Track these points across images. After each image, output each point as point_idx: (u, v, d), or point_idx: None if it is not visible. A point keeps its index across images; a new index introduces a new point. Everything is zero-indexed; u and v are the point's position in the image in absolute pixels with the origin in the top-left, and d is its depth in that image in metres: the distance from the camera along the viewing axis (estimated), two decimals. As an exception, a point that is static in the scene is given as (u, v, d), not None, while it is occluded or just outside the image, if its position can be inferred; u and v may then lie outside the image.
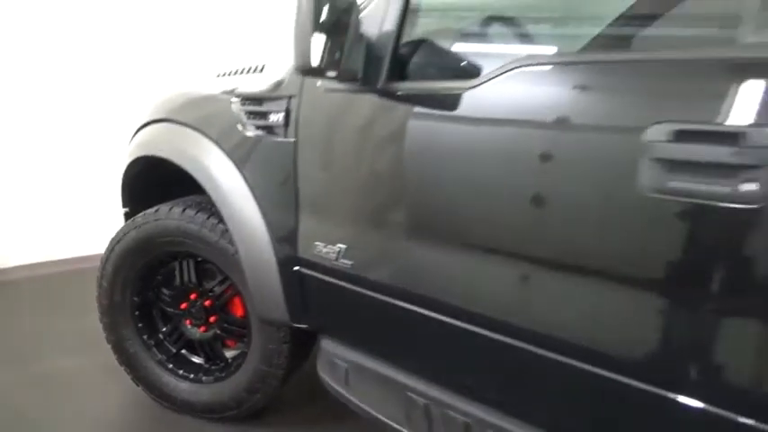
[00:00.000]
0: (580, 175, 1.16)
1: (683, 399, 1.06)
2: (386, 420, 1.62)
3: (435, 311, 1.48)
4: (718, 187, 0.98)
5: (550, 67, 1.25)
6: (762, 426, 0.96)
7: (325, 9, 1.36)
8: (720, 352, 1.03)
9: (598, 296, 1.17)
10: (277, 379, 2.06)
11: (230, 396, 2.15)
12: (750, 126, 0.95)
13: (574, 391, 1.27)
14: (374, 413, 1.65)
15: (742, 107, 0.96)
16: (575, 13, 1.80)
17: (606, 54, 1.42)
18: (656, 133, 1.04)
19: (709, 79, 1.04)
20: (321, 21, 1.37)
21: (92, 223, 3.68)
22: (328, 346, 1.85)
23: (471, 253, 1.39)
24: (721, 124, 0.98)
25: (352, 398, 1.71)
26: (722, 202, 0.98)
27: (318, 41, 1.38)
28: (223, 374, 2.19)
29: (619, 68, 1.16)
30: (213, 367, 2.24)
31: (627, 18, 1.70)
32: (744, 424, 0.98)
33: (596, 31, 1.73)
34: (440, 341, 1.50)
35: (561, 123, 1.19)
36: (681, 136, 1.01)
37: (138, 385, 2.29)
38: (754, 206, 0.95)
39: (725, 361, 1.03)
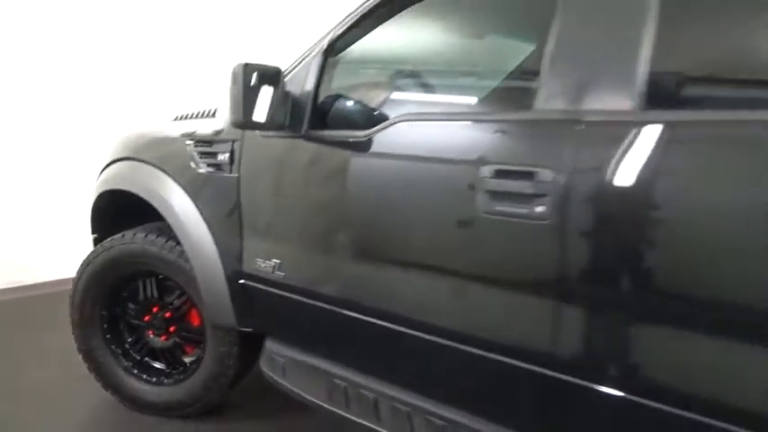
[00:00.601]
0: (438, 199, 1.58)
1: (542, 370, 1.44)
2: (313, 400, 1.99)
3: (352, 311, 1.87)
4: (523, 209, 1.41)
5: (420, 121, 1.68)
6: (632, 397, 1.29)
7: (255, 75, 1.77)
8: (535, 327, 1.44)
9: (448, 286, 1.59)
10: (228, 378, 2.42)
11: (188, 395, 2.49)
12: (537, 167, 1.38)
13: (450, 366, 1.67)
14: (305, 395, 2.02)
15: (532, 153, 1.39)
16: (460, 68, 2.24)
17: (455, 113, 1.86)
18: (485, 171, 1.47)
19: (515, 134, 1.48)
20: (251, 84, 1.78)
21: (66, 249, 3.97)
22: (269, 345, 2.22)
23: (372, 262, 1.80)
24: (521, 165, 1.41)
25: (287, 385, 2.08)
26: (526, 219, 1.41)
27: (251, 100, 1.78)
28: (182, 377, 2.53)
29: (465, 123, 1.60)
30: (173, 371, 2.58)
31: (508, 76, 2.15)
32: (632, 401, 1.29)
33: (481, 85, 2.17)
34: (357, 335, 1.89)
35: (426, 163, 1.61)
36: (499, 173, 1.44)
37: (106, 390, 2.61)
38: (545, 222, 1.38)
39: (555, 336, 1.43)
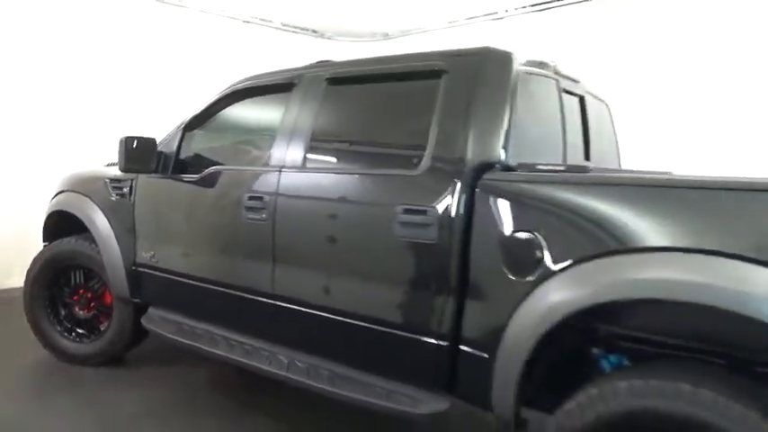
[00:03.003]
0: (229, 212, 2.91)
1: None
2: (171, 336, 3.22)
3: (196, 281, 3.15)
4: (258, 215, 2.74)
5: (222, 170, 3.03)
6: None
7: (135, 143, 3.12)
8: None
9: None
10: (126, 337, 3.65)
11: (100, 350, 3.72)
12: (264, 194, 2.72)
13: (248, 310, 2.95)
14: (166, 335, 3.26)
15: (262, 185, 2.75)
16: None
17: (238, 166, 3.16)
18: (246, 196, 2.80)
19: (260, 175, 2.83)
20: (134, 147, 3.13)
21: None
22: (151, 310, 3.48)
23: (202, 249, 3.10)
24: (258, 192, 2.75)
25: (156, 330, 3.33)
26: (259, 221, 2.74)
27: (130, 157, 3.11)
28: (96, 337, 3.76)
29: (243, 170, 2.95)
30: (91, 334, 3.81)
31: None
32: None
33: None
34: (200, 298, 3.15)
35: (224, 191, 2.95)
36: (250, 198, 2.78)
37: (45, 348, 3.82)
38: (265, 221, 2.71)
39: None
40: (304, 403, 3.24)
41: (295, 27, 7.23)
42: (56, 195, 3.96)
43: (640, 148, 4.16)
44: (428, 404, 2.26)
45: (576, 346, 2.10)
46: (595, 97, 3.13)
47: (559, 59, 2.73)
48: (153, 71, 5.98)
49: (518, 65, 2.33)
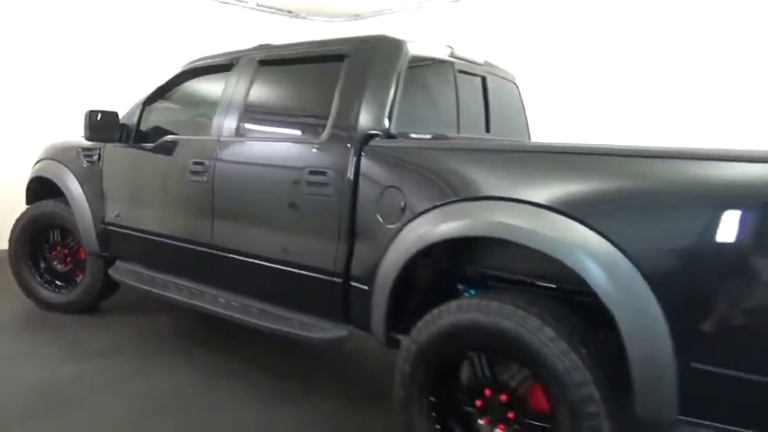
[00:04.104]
0: (177, 174, 3.38)
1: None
2: (133, 283, 3.72)
3: (152, 236, 3.63)
4: (200, 178, 3.21)
5: (174, 138, 3.48)
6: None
7: (99, 116, 3.57)
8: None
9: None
10: (98, 288, 4.15)
11: (76, 298, 4.22)
12: (205, 159, 3.19)
13: (187, 258, 3.43)
14: (129, 282, 3.75)
15: (204, 153, 3.21)
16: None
17: (185, 136, 3.64)
18: (190, 161, 3.27)
19: (202, 144, 3.29)
20: (98, 119, 3.58)
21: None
22: (118, 263, 3.97)
23: (155, 207, 3.58)
24: (200, 158, 3.21)
25: (121, 278, 3.82)
26: (201, 182, 3.21)
27: (95, 128, 3.57)
28: (73, 288, 4.26)
29: (189, 139, 3.41)
30: (68, 285, 4.31)
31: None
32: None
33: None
34: (157, 250, 3.63)
35: (174, 158, 3.42)
36: (194, 163, 3.24)
37: (28, 297, 4.33)
38: (206, 182, 3.18)
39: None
40: (247, 341, 3.75)
41: (270, 7, 7.61)
42: (37, 162, 4.43)
43: (562, 122, 4.60)
44: (332, 331, 2.75)
45: (445, 283, 2.57)
46: (502, 77, 3.57)
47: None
48: (130, 50, 6.39)
49: (409, 50, 2.76)
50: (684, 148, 1.90)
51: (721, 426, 1.76)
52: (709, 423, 1.78)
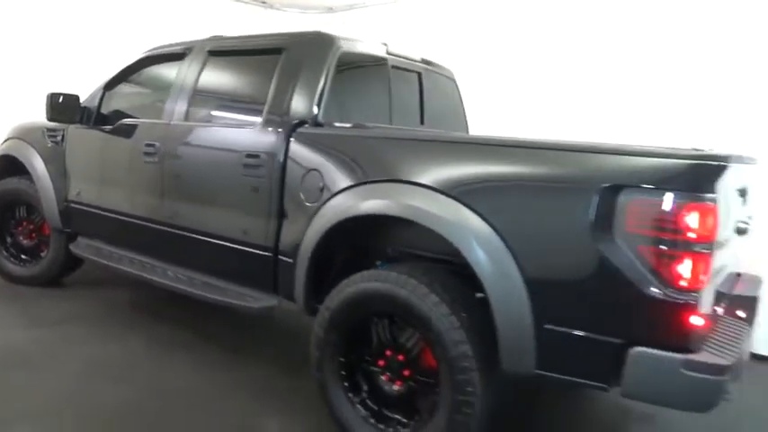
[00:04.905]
0: (129, 154, 3.63)
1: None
2: (93, 258, 3.97)
3: (109, 213, 3.88)
4: (152, 159, 3.45)
5: (129, 122, 3.72)
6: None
7: (60, 99, 3.80)
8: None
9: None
10: (61, 260, 4.38)
11: (41, 272, 4.46)
12: (155, 141, 3.44)
13: (141, 234, 3.68)
14: (89, 257, 4.00)
15: (155, 136, 3.46)
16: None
17: (140, 119, 3.86)
18: (142, 143, 3.51)
19: (154, 128, 3.53)
20: (59, 101, 3.81)
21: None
22: (79, 239, 4.21)
23: (111, 186, 3.82)
24: (152, 140, 3.46)
25: (81, 253, 4.07)
26: (153, 163, 3.46)
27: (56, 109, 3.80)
28: (38, 262, 4.50)
29: (145, 122, 3.65)
30: (34, 259, 4.54)
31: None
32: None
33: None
34: (120, 228, 3.87)
35: (128, 139, 3.66)
36: (146, 145, 3.49)
37: (-4, 272, 4.58)
38: (156, 162, 3.43)
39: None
40: (201, 314, 4.02)
41: (244, -2, 7.81)
42: (4, 141, 4.65)
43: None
44: (264, 301, 3.02)
45: (366, 259, 2.85)
46: (439, 74, 3.84)
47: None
48: (99, 35, 6.52)
49: (341, 46, 3.02)
50: (544, 139, 2.19)
51: (569, 378, 2.06)
52: (559, 375, 2.07)
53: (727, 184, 2.10)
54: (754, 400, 3.50)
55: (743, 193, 2.49)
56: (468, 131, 4.13)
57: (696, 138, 3.73)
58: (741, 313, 2.72)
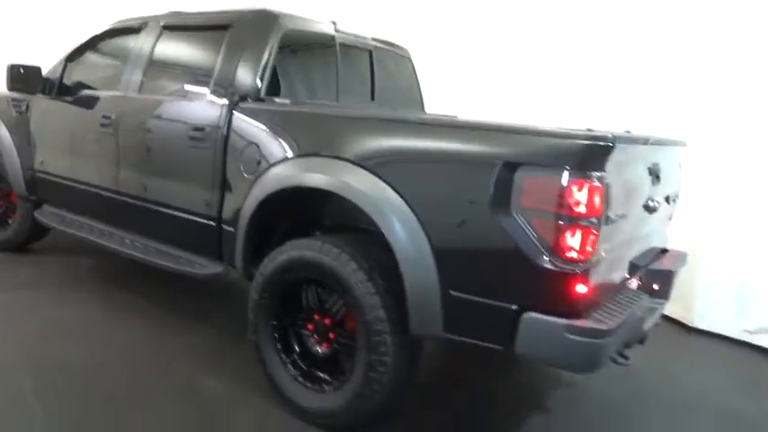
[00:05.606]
0: (86, 123, 3.73)
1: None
2: (57, 226, 4.09)
3: (70, 182, 3.99)
4: (107, 129, 3.56)
5: (87, 92, 3.82)
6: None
7: (21, 70, 3.89)
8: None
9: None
10: (28, 228, 4.51)
11: (8, 238, 4.59)
12: (111, 113, 3.54)
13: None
14: (53, 225, 4.12)
15: (111, 107, 3.56)
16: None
17: (100, 90, 3.99)
18: (100, 114, 3.62)
19: (109, 99, 3.63)
20: (20, 72, 3.90)
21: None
22: (45, 206, 4.33)
23: (71, 155, 3.94)
24: (107, 112, 3.56)
25: (46, 221, 4.19)
26: (109, 133, 3.56)
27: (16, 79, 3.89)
28: (5, 229, 4.62)
29: (98, 93, 3.75)
30: (1, 226, 4.66)
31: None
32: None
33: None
34: (81, 196, 3.99)
35: (88, 109, 3.76)
36: (103, 117, 3.59)
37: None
38: (111, 132, 3.54)
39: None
40: (159, 281, 4.17)
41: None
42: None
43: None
44: (210, 268, 3.17)
45: (306, 229, 2.99)
46: (392, 52, 3.94)
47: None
48: (71, 8, 6.53)
49: (285, 24, 3.11)
50: (450, 118, 2.33)
51: (472, 340, 2.22)
52: (463, 338, 2.24)
53: (624, 164, 2.25)
54: (679, 370, 3.71)
55: (655, 172, 2.63)
56: (423, 109, 4.24)
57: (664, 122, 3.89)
58: (656, 286, 2.89)
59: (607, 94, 4.53)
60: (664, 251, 3.25)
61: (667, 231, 3.28)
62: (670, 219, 3.26)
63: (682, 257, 3.22)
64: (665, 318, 4.47)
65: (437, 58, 5.15)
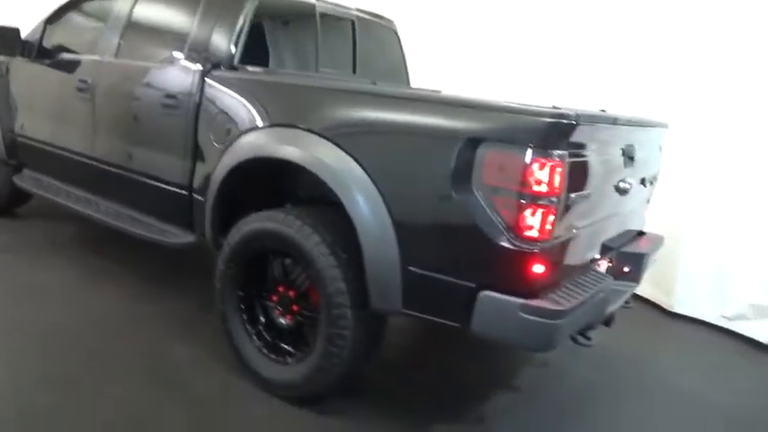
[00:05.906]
0: (63, 87, 3.69)
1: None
2: (36, 191, 4.07)
3: (49, 147, 3.96)
4: (85, 95, 3.52)
5: (69, 57, 3.76)
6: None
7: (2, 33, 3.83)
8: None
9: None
10: (8, 193, 4.48)
11: (-8, 203, 4.58)
12: (87, 77, 3.49)
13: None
14: (33, 190, 4.10)
15: (88, 72, 3.51)
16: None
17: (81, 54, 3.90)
18: (77, 79, 3.57)
19: (86, 63, 3.58)
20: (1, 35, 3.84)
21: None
22: (25, 171, 4.30)
23: (50, 119, 3.89)
24: (83, 76, 3.51)
25: (26, 186, 4.16)
26: (85, 97, 3.52)
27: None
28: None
29: (79, 57, 3.69)
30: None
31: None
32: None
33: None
34: (58, 161, 3.96)
35: (63, 71, 3.71)
36: (79, 81, 3.54)
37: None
38: (89, 97, 3.49)
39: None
40: (137, 249, 4.16)
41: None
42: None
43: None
44: (182, 237, 3.15)
45: (278, 201, 2.96)
46: (377, 23, 3.86)
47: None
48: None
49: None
50: (415, 91, 2.28)
51: (430, 317, 2.21)
52: (422, 314, 2.22)
53: (590, 143, 2.21)
54: (655, 354, 3.72)
55: (628, 153, 2.59)
56: (408, 82, 4.18)
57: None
58: (626, 269, 2.87)
59: (595, 74, 4.47)
60: (640, 234, 3.22)
61: (645, 214, 3.25)
62: (648, 202, 3.23)
63: (657, 241, 3.19)
64: (646, 302, 4.49)
65: (427, 32, 5.06)
